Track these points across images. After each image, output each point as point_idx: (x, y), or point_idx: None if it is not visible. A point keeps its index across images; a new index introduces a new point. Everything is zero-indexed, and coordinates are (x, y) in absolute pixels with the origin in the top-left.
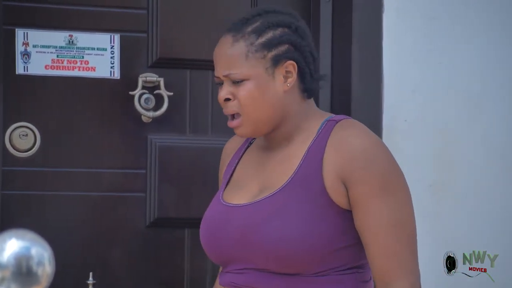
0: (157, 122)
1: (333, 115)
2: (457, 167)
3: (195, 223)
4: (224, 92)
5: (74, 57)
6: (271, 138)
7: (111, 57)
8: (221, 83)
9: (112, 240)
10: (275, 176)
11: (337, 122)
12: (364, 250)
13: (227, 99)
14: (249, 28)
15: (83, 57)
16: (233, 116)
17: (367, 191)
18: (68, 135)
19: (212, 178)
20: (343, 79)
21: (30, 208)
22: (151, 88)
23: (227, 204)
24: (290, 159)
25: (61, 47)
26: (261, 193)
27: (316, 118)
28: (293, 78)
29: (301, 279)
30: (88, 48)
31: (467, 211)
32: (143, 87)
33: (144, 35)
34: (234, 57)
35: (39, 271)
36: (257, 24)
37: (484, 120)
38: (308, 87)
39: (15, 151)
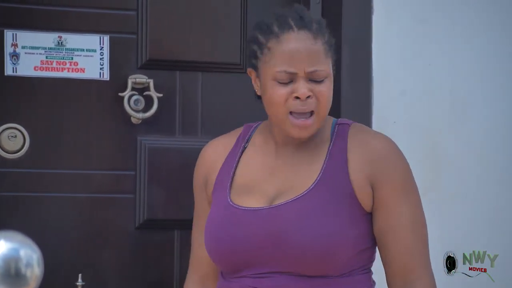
0: (147, 124)
1: (335, 118)
2: (447, 168)
3: (184, 225)
4: (306, 89)
5: (63, 59)
6: (288, 141)
7: (100, 59)
8: (287, 81)
9: (101, 242)
10: (297, 179)
11: (349, 126)
12: (376, 252)
13: (308, 96)
14: (314, 27)
15: (72, 58)
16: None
17: (392, 192)
18: (57, 137)
19: None
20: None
21: (19, 210)
22: (141, 89)
23: (242, 208)
24: (310, 161)
25: (50, 48)
26: (282, 196)
27: (325, 121)
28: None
29: (325, 281)
30: (78, 49)
31: (456, 212)
32: (133, 89)
33: (134, 36)
34: (319, 54)
35: (28, 273)
36: (315, 24)
37: (473, 121)
38: None
39: (3, 152)
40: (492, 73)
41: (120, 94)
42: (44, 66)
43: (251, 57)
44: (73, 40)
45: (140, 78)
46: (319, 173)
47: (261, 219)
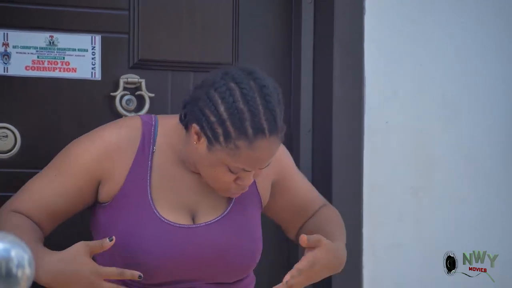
0: None
1: None
2: (440, 168)
3: None
4: (252, 178)
5: (55, 58)
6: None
7: (92, 58)
8: (237, 172)
9: None
10: (215, 194)
11: None
12: None
13: None
14: (281, 126)
15: (64, 58)
16: None
17: (289, 175)
18: (49, 136)
19: None
20: (325, 81)
21: None
22: (133, 89)
23: (174, 224)
24: None
25: (42, 48)
26: (204, 213)
27: None
28: None
29: (241, 283)
30: (69, 49)
31: (453, 212)
32: (125, 88)
33: (126, 36)
34: (277, 151)
35: (19, 274)
36: (279, 111)
37: (465, 121)
38: None
39: None
40: (484, 74)
41: (112, 94)
42: (35, 65)
43: (205, 126)
44: (64, 39)
45: (132, 78)
46: None
47: (196, 236)
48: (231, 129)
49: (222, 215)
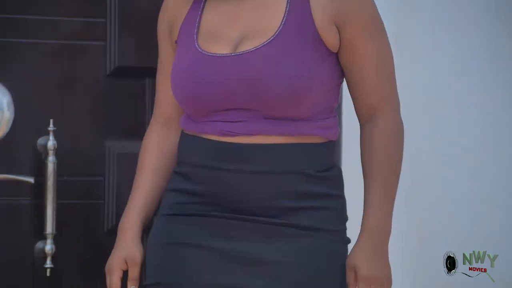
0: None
1: None
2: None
3: (155, 72)
4: None
5: None
6: None
7: None
8: None
9: (72, 89)
10: (260, 22)
11: None
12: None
13: None
14: None
15: None
16: None
17: (360, 31)
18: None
19: None
20: None
21: None
22: None
23: (208, 53)
24: (271, 4)
25: None
26: (247, 41)
27: None
28: None
29: (296, 123)
30: None
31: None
32: None
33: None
34: None
35: None
36: None
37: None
38: None
39: None
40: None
41: None
42: None
43: None
44: None
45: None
46: (283, 16)
47: (229, 65)
48: None
49: (262, 44)
